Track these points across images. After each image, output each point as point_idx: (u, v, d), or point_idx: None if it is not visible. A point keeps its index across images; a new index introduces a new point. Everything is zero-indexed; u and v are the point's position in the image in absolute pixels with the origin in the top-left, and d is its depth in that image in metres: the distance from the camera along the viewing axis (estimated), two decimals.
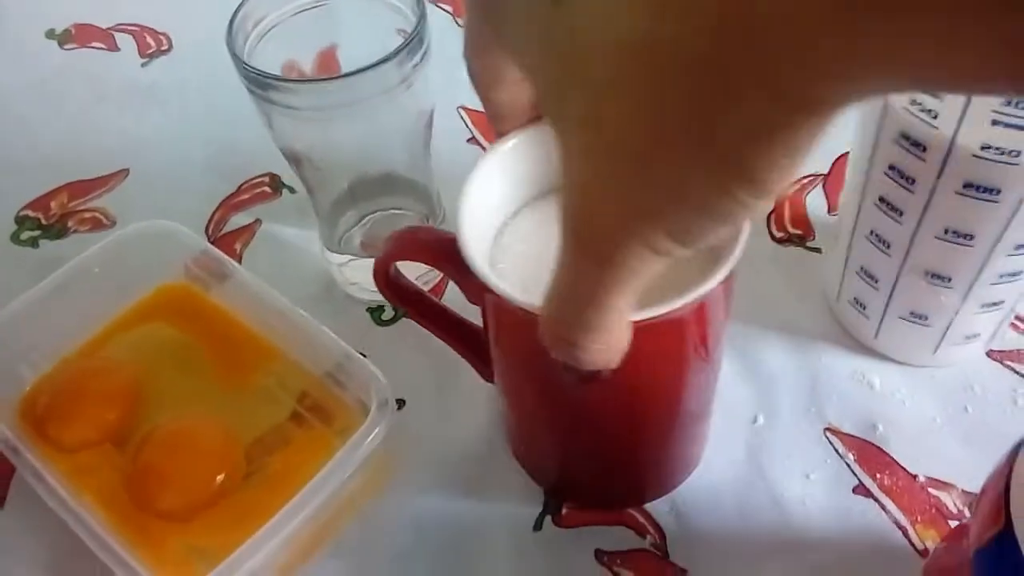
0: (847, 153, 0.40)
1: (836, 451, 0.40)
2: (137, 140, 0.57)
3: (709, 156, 0.18)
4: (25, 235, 0.51)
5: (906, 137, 0.34)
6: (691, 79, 0.17)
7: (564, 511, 0.39)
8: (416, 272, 0.43)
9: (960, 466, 0.39)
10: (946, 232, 0.35)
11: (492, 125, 0.32)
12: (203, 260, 0.44)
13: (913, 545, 0.37)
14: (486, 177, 0.33)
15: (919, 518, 0.38)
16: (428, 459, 0.41)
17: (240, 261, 0.50)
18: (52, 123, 0.58)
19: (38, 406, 0.40)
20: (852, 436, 0.40)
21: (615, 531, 0.38)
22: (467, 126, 0.56)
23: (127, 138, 0.57)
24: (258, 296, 0.42)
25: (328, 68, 0.43)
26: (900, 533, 0.37)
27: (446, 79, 0.58)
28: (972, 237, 0.35)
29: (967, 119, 0.31)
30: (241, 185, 0.53)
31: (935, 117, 0.32)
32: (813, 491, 0.39)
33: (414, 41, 0.38)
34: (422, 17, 0.39)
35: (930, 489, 0.39)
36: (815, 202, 0.50)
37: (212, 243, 0.50)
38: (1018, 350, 0.43)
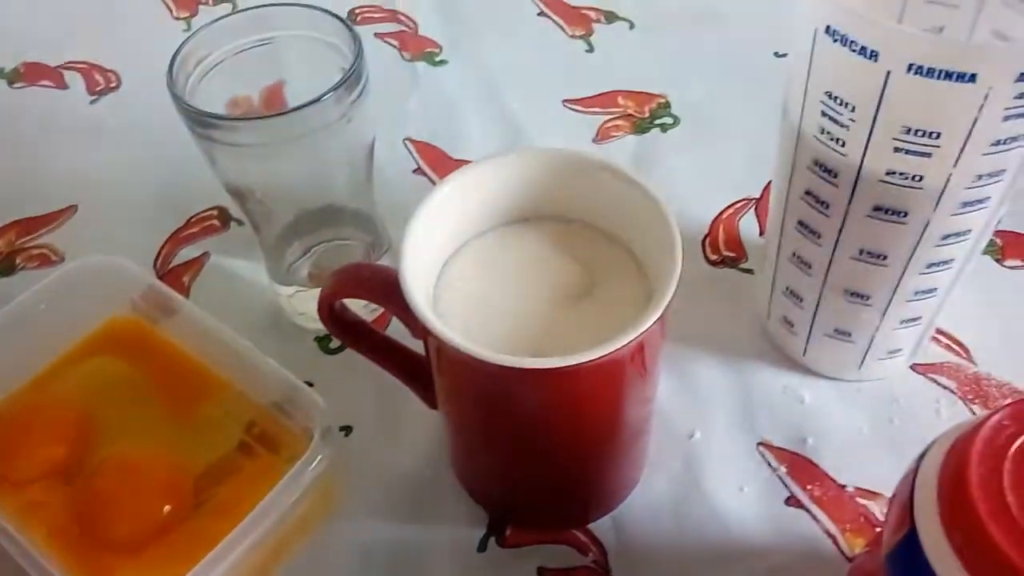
0: None
1: (769, 464, 0.42)
2: (86, 176, 0.57)
3: None
4: None
5: (818, 164, 0.36)
6: None
7: (508, 532, 0.40)
8: (363, 302, 0.44)
9: (886, 476, 0.39)
10: (861, 253, 0.37)
11: None
12: (150, 294, 0.45)
13: (843, 552, 0.39)
14: (429, 216, 0.34)
15: (848, 526, 0.39)
16: (375, 484, 0.42)
17: (188, 294, 0.50)
18: (0, 161, 0.59)
19: None
20: (783, 449, 0.42)
21: (558, 550, 0.40)
22: (413, 157, 0.57)
23: (76, 175, 0.57)
24: (205, 329, 0.43)
25: (275, 104, 0.44)
26: (830, 541, 0.39)
27: (392, 112, 0.60)
28: (885, 257, 0.37)
29: (872, 146, 0.33)
30: (190, 219, 0.54)
31: (843, 145, 0.34)
32: (747, 503, 0.40)
33: (351, 77, 0.39)
34: (359, 54, 0.40)
35: (858, 498, 0.40)
36: (747, 225, 0.51)
37: (161, 277, 0.51)
38: (940, 363, 0.45)
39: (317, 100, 0.38)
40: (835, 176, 0.35)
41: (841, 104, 0.33)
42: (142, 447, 0.41)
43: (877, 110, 0.32)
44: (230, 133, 0.39)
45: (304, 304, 0.48)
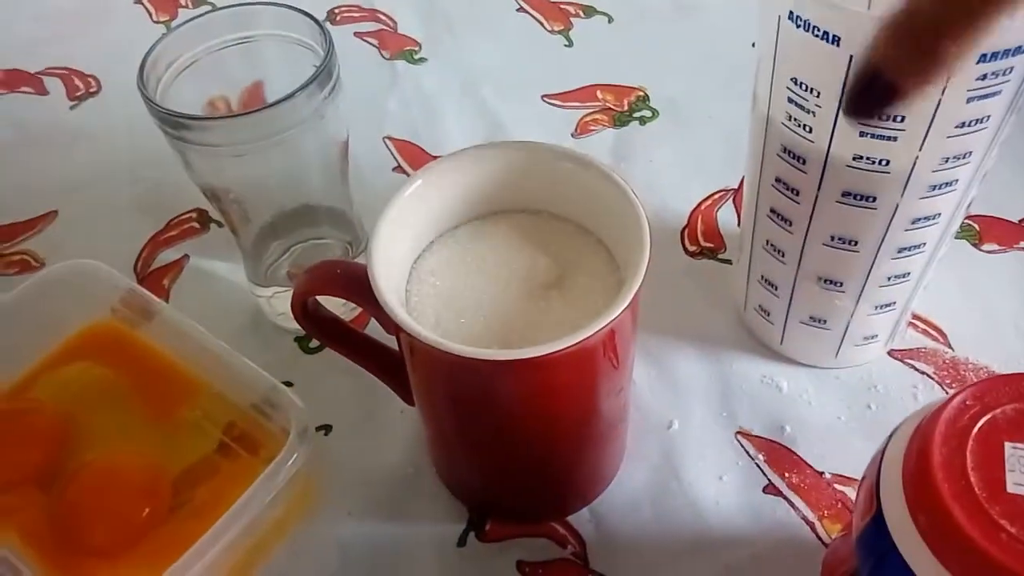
0: None
1: (747, 452, 0.42)
2: (65, 181, 0.57)
3: None
4: None
5: (787, 151, 0.36)
6: None
7: (487, 527, 0.40)
8: (342, 300, 0.44)
9: (864, 462, 0.40)
10: (832, 239, 0.37)
11: None
12: (128, 298, 0.45)
13: (821, 539, 0.39)
14: (398, 212, 0.34)
15: (826, 513, 0.39)
16: (355, 482, 0.42)
17: (168, 297, 0.50)
18: None
19: None
20: (762, 438, 0.42)
21: (537, 543, 0.40)
22: (393, 155, 0.57)
23: (55, 180, 0.57)
24: (184, 332, 0.43)
25: (254, 103, 0.44)
26: (808, 528, 0.39)
27: (372, 110, 0.60)
28: (856, 243, 0.37)
29: (838, 132, 0.33)
30: (169, 222, 0.54)
31: (810, 131, 0.34)
32: (726, 492, 0.41)
33: (323, 74, 0.39)
34: (330, 51, 0.40)
35: (836, 485, 0.40)
36: (726, 216, 0.51)
37: (141, 280, 0.51)
38: (917, 348, 0.45)
39: (288, 97, 0.38)
40: (804, 162, 0.35)
41: (807, 90, 0.33)
42: (120, 451, 0.41)
43: (842, 95, 0.32)
44: (202, 133, 0.39)
45: (283, 304, 0.47)
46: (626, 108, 0.58)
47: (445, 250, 0.36)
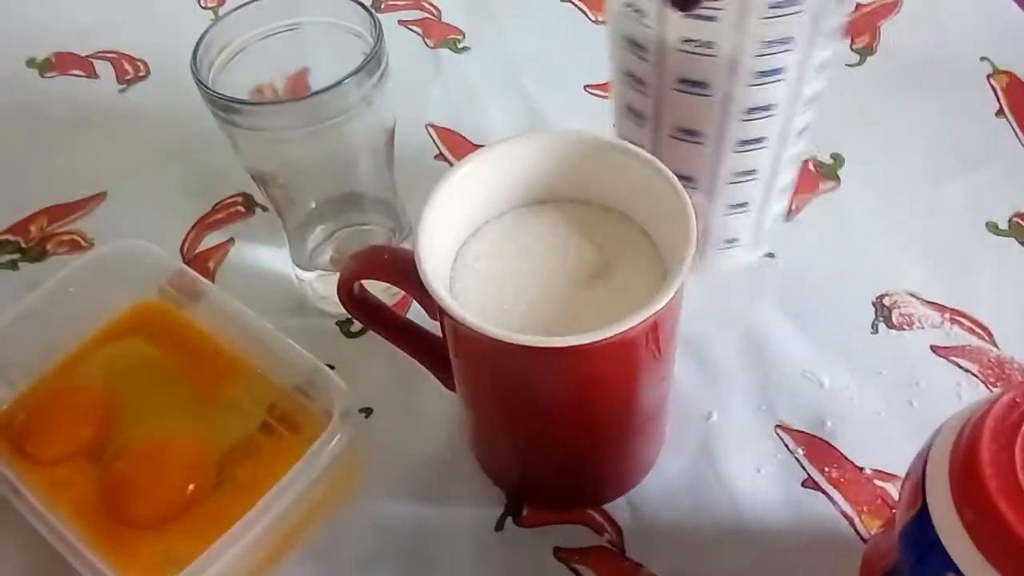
0: (804, 160, 0.44)
1: (786, 446, 0.42)
2: (115, 164, 0.58)
3: None
4: (5, 258, 0.53)
5: (629, 41, 0.37)
6: None
7: (525, 512, 0.40)
8: (384, 284, 0.45)
9: (905, 458, 0.40)
10: (678, 131, 0.38)
11: None
12: (176, 279, 0.46)
13: (859, 534, 0.39)
14: (446, 197, 0.34)
15: (865, 508, 0.39)
16: (394, 465, 0.42)
17: (214, 279, 0.51)
18: (33, 149, 0.60)
19: (16, 424, 0.41)
20: (802, 432, 0.42)
21: (574, 529, 0.40)
22: (435, 143, 0.57)
23: (105, 162, 0.58)
24: (229, 313, 0.44)
25: (299, 90, 0.45)
26: (847, 523, 0.39)
27: (415, 98, 0.60)
28: (699, 134, 0.38)
29: (667, 16, 0.35)
30: (215, 205, 0.55)
31: (645, 17, 0.35)
32: (764, 485, 0.40)
33: (372, 61, 0.40)
34: (379, 38, 0.40)
35: (876, 481, 0.40)
36: None
37: (187, 262, 0.52)
38: (962, 346, 0.44)
39: (338, 84, 0.39)
40: (644, 51, 0.37)
41: None
42: (167, 428, 0.42)
43: None
44: (253, 118, 0.39)
45: (326, 288, 0.48)
46: None
47: (491, 236, 0.36)
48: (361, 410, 0.44)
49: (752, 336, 0.46)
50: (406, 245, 0.49)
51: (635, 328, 0.30)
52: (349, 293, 0.37)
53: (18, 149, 0.60)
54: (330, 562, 0.40)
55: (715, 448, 0.42)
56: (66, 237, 0.54)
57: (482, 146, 0.51)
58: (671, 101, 0.38)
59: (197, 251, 0.53)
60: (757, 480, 0.41)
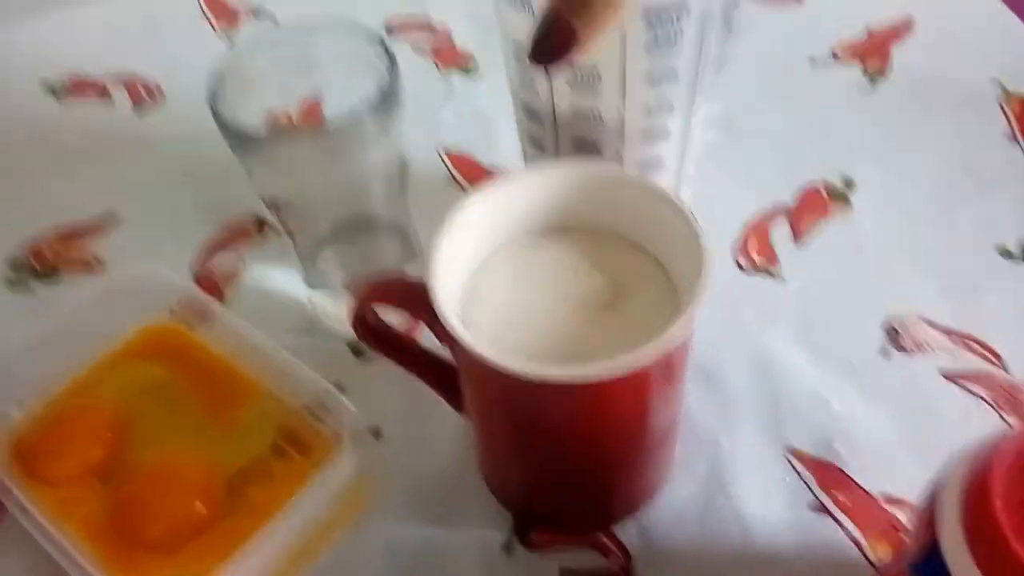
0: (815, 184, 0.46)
1: (795, 470, 0.41)
2: (129, 186, 0.59)
3: None
4: (19, 278, 0.53)
5: (527, 111, 0.40)
6: None
7: (533, 534, 0.40)
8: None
9: (915, 483, 0.39)
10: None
11: None
12: (188, 301, 0.46)
13: (868, 559, 0.39)
14: (458, 228, 0.35)
15: (874, 533, 0.39)
16: (403, 486, 0.42)
17: (225, 300, 0.51)
18: (48, 172, 0.60)
19: (27, 443, 0.41)
20: (811, 455, 0.42)
21: (582, 553, 0.40)
22: (447, 167, 0.58)
23: (119, 185, 0.59)
24: (240, 335, 0.44)
25: (313, 117, 0.45)
26: (856, 548, 0.39)
27: (428, 123, 0.60)
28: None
29: (554, 89, 0.37)
30: (227, 226, 0.55)
31: (536, 90, 0.39)
32: (773, 508, 0.40)
33: (388, 97, 0.40)
34: (394, 73, 0.40)
35: (886, 506, 0.40)
36: (779, 232, 0.51)
37: (199, 283, 0.52)
38: (973, 371, 0.44)
39: (354, 117, 0.39)
40: (540, 119, 0.39)
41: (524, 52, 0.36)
42: (177, 449, 0.42)
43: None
44: (268, 149, 0.40)
45: (338, 309, 0.48)
46: None
47: (504, 264, 0.37)
48: (370, 431, 0.44)
49: (762, 360, 0.46)
50: (416, 267, 0.49)
51: (647, 361, 0.30)
52: (361, 320, 0.38)
53: (34, 173, 0.61)
54: None
55: (724, 471, 0.42)
56: (79, 258, 0.54)
57: (494, 171, 0.51)
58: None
59: (209, 272, 0.53)
60: (767, 504, 0.40)
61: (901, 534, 0.39)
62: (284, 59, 0.43)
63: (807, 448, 0.42)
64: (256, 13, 0.70)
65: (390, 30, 0.68)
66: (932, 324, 0.46)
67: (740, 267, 0.50)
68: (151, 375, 0.45)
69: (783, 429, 0.43)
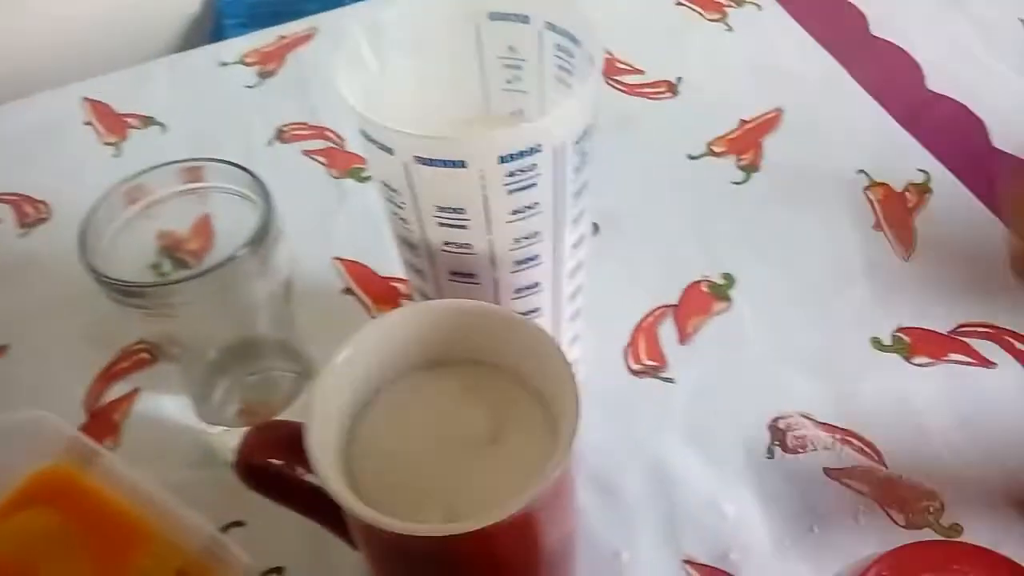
0: (698, 282, 0.48)
1: None
2: (16, 313, 0.57)
3: None
4: None
5: (402, 240, 0.42)
6: None
7: None
8: None
9: None
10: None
11: None
12: (73, 444, 0.45)
13: None
14: (335, 374, 0.35)
15: None
16: None
17: (119, 432, 0.51)
18: None
19: None
20: (706, 565, 0.43)
21: None
22: (342, 276, 0.58)
23: (6, 312, 0.57)
24: (127, 478, 0.44)
25: (204, 234, 0.45)
26: None
27: (320, 230, 0.60)
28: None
29: (424, 223, 0.39)
30: (120, 354, 0.54)
31: (408, 224, 0.40)
32: None
33: (264, 229, 0.40)
34: (269, 209, 0.41)
35: None
36: (667, 333, 0.53)
37: (91, 416, 0.51)
38: (852, 467, 0.46)
39: (232, 258, 0.39)
40: (416, 249, 0.40)
41: (392, 190, 0.38)
42: None
43: (413, 193, 0.37)
44: (148, 299, 0.39)
45: (235, 441, 0.48)
46: None
47: (385, 406, 0.37)
48: (272, 570, 0.44)
49: (656, 465, 0.47)
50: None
51: (522, 507, 0.31)
52: (246, 469, 0.37)
53: None
54: None
55: None
56: None
57: (389, 277, 0.52)
58: (449, 289, 0.42)
59: (102, 403, 0.52)
60: None
61: None
62: (164, 198, 0.44)
63: (703, 558, 0.43)
64: (145, 122, 0.70)
65: (281, 135, 0.68)
66: (814, 421, 0.48)
67: (632, 371, 0.51)
68: (44, 524, 0.44)
69: (681, 539, 0.44)
